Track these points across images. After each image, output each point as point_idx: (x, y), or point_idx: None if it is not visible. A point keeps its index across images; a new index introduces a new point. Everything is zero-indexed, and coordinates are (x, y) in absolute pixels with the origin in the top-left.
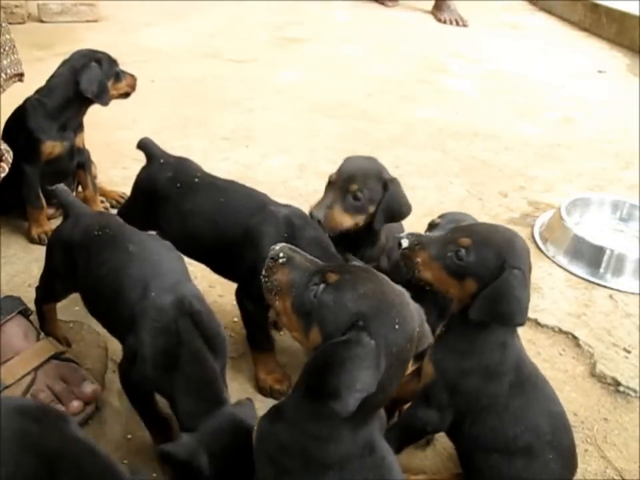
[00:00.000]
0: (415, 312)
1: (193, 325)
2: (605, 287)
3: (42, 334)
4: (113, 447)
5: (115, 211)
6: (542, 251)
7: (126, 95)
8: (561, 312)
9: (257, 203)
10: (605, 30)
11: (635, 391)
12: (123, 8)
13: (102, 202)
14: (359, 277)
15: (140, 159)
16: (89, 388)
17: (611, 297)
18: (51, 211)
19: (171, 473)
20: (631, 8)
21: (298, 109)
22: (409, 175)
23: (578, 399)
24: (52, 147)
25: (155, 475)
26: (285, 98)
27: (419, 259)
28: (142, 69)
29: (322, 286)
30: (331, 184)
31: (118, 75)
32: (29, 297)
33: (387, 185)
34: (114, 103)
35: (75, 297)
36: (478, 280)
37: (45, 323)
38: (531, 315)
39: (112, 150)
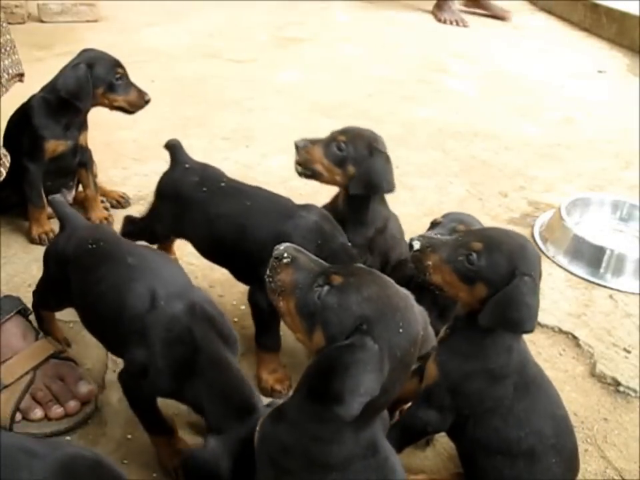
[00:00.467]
0: (419, 315)
1: (209, 330)
2: (604, 286)
3: (41, 333)
4: (113, 447)
5: (114, 211)
6: (542, 251)
7: (125, 110)
8: (560, 312)
9: (286, 208)
10: (605, 30)
11: (635, 390)
12: (123, 8)
13: (102, 202)
14: (363, 279)
15: (140, 159)
16: (84, 388)
17: (611, 297)
18: (51, 210)
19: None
20: (631, 8)
21: (298, 109)
22: (409, 174)
23: (578, 399)
24: (55, 145)
25: (154, 475)
26: (285, 98)
27: (429, 262)
28: (142, 69)
29: (326, 288)
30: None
31: (112, 86)
32: (28, 297)
33: (374, 152)
34: None
35: None
36: (488, 285)
37: (44, 324)
38: None
39: (112, 150)
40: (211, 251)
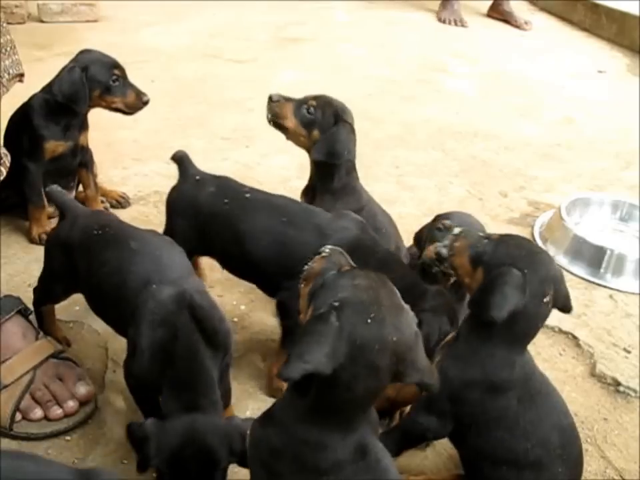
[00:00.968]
0: (406, 329)
1: (191, 320)
2: (605, 286)
3: (41, 333)
4: (113, 447)
5: (114, 211)
6: None
7: (122, 111)
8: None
9: (325, 221)
10: (605, 30)
11: (635, 390)
12: (123, 8)
13: (102, 202)
14: (364, 274)
15: (140, 159)
16: (83, 389)
17: (611, 297)
18: (51, 210)
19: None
20: (631, 8)
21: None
22: (409, 174)
23: (578, 399)
24: (55, 145)
25: (154, 475)
26: None
27: (458, 243)
28: (142, 69)
29: (333, 272)
30: None
31: (109, 87)
32: (29, 297)
33: (339, 121)
34: None
35: (75, 296)
36: (485, 271)
37: (44, 324)
38: None
39: (112, 150)
40: (239, 267)
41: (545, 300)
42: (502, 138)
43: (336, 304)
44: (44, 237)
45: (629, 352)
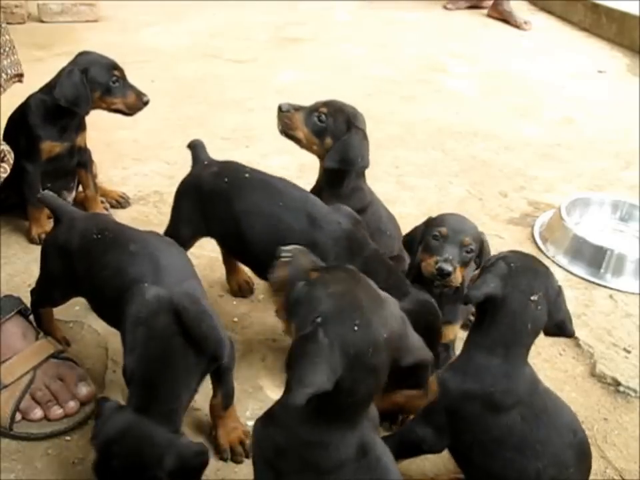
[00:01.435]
0: (393, 320)
1: (175, 323)
2: (605, 286)
3: (41, 333)
4: None
5: (114, 211)
6: (542, 251)
7: (123, 112)
8: None
9: (319, 212)
10: (604, 30)
11: (635, 390)
12: (123, 8)
13: (102, 202)
14: (335, 276)
15: (140, 159)
16: (84, 389)
17: (611, 297)
18: None
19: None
20: (631, 8)
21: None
22: (409, 174)
23: (578, 399)
24: (51, 146)
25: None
26: (285, 98)
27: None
28: (142, 69)
29: (303, 282)
30: None
31: (109, 89)
32: (29, 297)
33: (351, 127)
34: None
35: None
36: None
37: (43, 324)
38: None
39: (112, 150)
40: (235, 246)
41: (531, 297)
42: (502, 138)
43: (319, 320)
44: (44, 236)
45: (629, 352)
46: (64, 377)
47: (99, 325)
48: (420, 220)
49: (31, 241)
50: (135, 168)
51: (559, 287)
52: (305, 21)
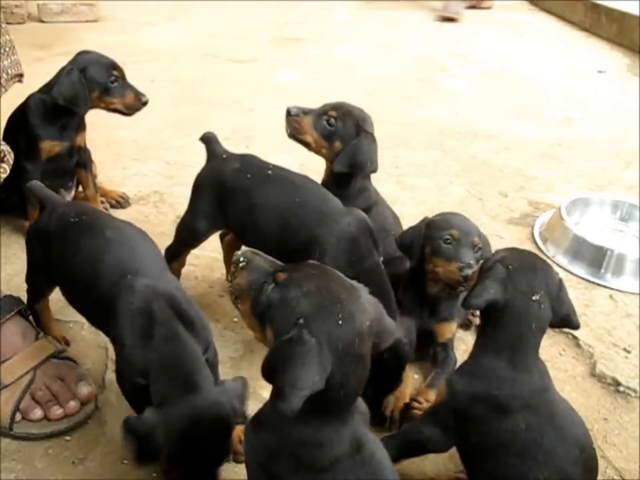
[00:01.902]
0: (369, 306)
1: (167, 306)
2: (605, 287)
3: (41, 333)
4: (113, 447)
5: (114, 211)
6: (542, 251)
7: (121, 112)
8: None
9: (330, 210)
10: (605, 30)
11: (635, 390)
12: (123, 8)
13: (102, 202)
14: (305, 274)
15: (140, 159)
16: (85, 389)
17: (611, 297)
18: None
19: (131, 446)
20: (631, 8)
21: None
22: (409, 174)
23: (578, 399)
24: (51, 145)
25: (154, 474)
26: (285, 98)
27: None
28: (142, 69)
29: (271, 285)
30: None
31: (107, 88)
32: None
33: (361, 131)
34: None
35: None
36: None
37: (40, 322)
38: None
39: (112, 150)
40: (250, 238)
41: (533, 298)
42: (502, 138)
43: (301, 321)
44: None
45: (629, 352)
46: (64, 377)
47: None
48: (419, 220)
49: None
50: (135, 168)
51: (560, 280)
52: (305, 20)
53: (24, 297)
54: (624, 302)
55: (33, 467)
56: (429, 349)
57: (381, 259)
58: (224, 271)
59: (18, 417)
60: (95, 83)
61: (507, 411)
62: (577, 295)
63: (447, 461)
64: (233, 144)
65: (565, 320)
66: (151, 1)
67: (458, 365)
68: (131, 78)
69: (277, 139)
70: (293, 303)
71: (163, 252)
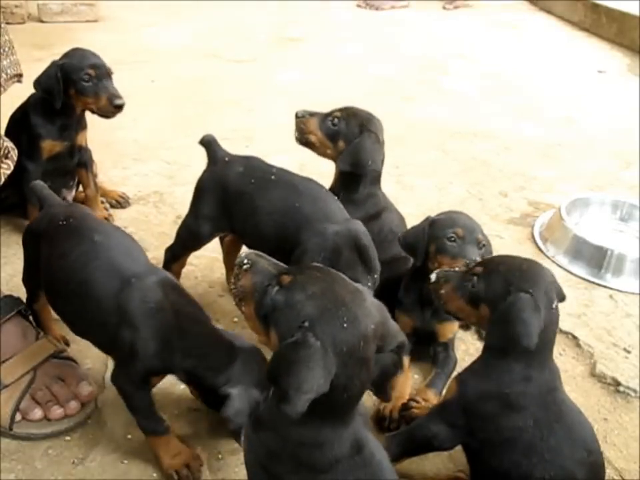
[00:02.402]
0: (374, 309)
1: (181, 295)
2: (605, 287)
3: (41, 333)
4: (113, 447)
5: (114, 211)
6: (542, 251)
7: (98, 114)
8: (561, 312)
9: (324, 216)
10: (605, 30)
11: (635, 390)
12: (123, 8)
13: (102, 202)
14: (310, 277)
15: (140, 159)
16: (85, 390)
17: (611, 297)
18: None
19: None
20: (631, 8)
21: (298, 109)
22: (409, 174)
23: (578, 399)
24: (52, 145)
25: (154, 475)
26: (285, 98)
27: (443, 291)
28: (142, 69)
29: (276, 288)
30: None
31: (81, 87)
32: None
33: (364, 130)
34: None
35: None
36: (490, 305)
37: (40, 322)
38: None
39: (112, 150)
40: (252, 241)
41: (553, 306)
42: (502, 138)
43: (306, 324)
44: None
45: (629, 352)
46: (65, 377)
47: None
48: (420, 220)
49: None
50: (134, 168)
51: (549, 269)
52: (305, 20)
53: (24, 297)
54: (624, 302)
55: (33, 467)
56: (429, 348)
57: (376, 276)
58: (224, 271)
59: (18, 416)
60: (69, 80)
61: (517, 409)
62: (577, 295)
63: (446, 460)
64: (232, 144)
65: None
66: (150, 1)
67: (458, 364)
68: (130, 78)
69: (277, 138)
70: (297, 306)
71: (163, 252)
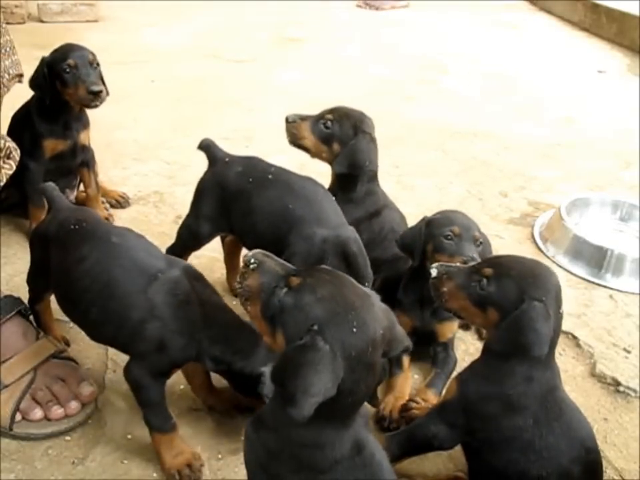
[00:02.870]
0: (382, 314)
1: (205, 285)
2: (605, 287)
3: (41, 333)
4: (113, 447)
5: (114, 211)
6: (542, 251)
7: (81, 104)
8: None
9: (313, 222)
10: (605, 30)
11: (635, 390)
12: (123, 8)
13: (102, 202)
14: (319, 280)
15: (140, 159)
16: (86, 390)
17: (611, 297)
18: None
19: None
20: (631, 8)
21: (298, 109)
22: (409, 174)
23: (578, 399)
24: (54, 144)
25: (154, 475)
26: (285, 98)
27: (445, 289)
28: (142, 69)
29: (284, 290)
30: None
31: (63, 79)
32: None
33: (358, 132)
34: (114, 103)
35: None
36: (499, 310)
37: (41, 322)
38: None
39: (112, 150)
40: (249, 241)
41: (560, 311)
42: (502, 138)
43: (315, 327)
44: None
45: (629, 352)
46: (65, 377)
47: None
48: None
49: None
50: (134, 168)
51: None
52: (304, 20)
53: (24, 297)
54: (624, 302)
55: (33, 467)
56: (429, 348)
57: (367, 284)
58: (224, 271)
59: (18, 416)
60: (54, 72)
61: (518, 410)
62: (577, 295)
63: (446, 460)
64: (232, 144)
65: None
66: (151, 1)
67: (458, 364)
68: (131, 78)
69: (277, 138)
70: (306, 309)
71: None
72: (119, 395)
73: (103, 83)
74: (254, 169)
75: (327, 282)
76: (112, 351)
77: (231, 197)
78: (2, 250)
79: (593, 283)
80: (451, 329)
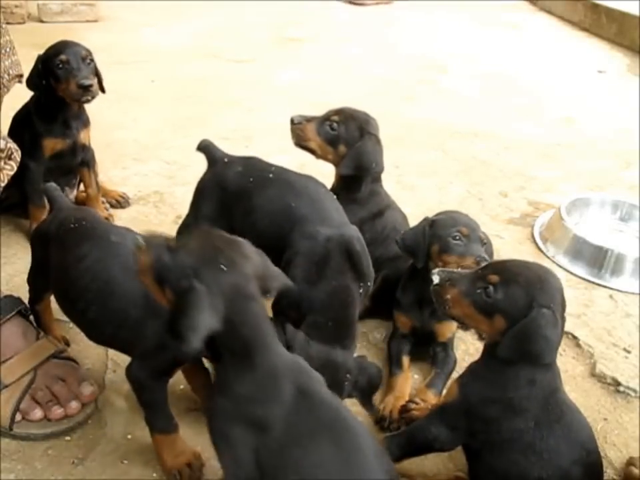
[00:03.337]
0: (252, 254)
1: None
2: (605, 287)
3: (42, 333)
4: (113, 447)
5: (114, 211)
6: (542, 251)
7: (72, 99)
8: None
9: (315, 222)
10: (605, 30)
11: (635, 390)
12: (123, 8)
13: (102, 202)
14: (191, 238)
15: (140, 159)
16: (87, 390)
17: (611, 297)
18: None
19: None
20: (631, 8)
21: (298, 109)
22: (409, 174)
23: (578, 399)
24: (54, 143)
25: (154, 475)
26: (285, 98)
27: (448, 296)
28: (142, 69)
29: (166, 253)
30: None
31: (56, 75)
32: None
33: (364, 133)
34: (114, 103)
35: None
36: (507, 317)
37: (41, 323)
38: None
39: (112, 150)
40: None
41: (564, 315)
42: (502, 138)
43: (189, 272)
44: None
45: (629, 352)
46: (65, 377)
47: None
48: (420, 220)
49: None
50: (135, 168)
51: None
52: (304, 20)
53: (24, 297)
54: (624, 302)
55: (33, 467)
56: (429, 348)
57: (369, 283)
58: None
59: (18, 417)
60: (49, 70)
61: (520, 412)
62: (577, 294)
63: (446, 460)
64: (232, 144)
65: None
66: (151, 1)
67: (458, 364)
68: (131, 78)
69: (277, 138)
70: (182, 262)
71: None
72: (119, 395)
73: (99, 80)
74: (254, 168)
75: (197, 236)
76: (112, 351)
77: (231, 197)
78: (2, 250)
79: (593, 283)
80: (450, 329)
